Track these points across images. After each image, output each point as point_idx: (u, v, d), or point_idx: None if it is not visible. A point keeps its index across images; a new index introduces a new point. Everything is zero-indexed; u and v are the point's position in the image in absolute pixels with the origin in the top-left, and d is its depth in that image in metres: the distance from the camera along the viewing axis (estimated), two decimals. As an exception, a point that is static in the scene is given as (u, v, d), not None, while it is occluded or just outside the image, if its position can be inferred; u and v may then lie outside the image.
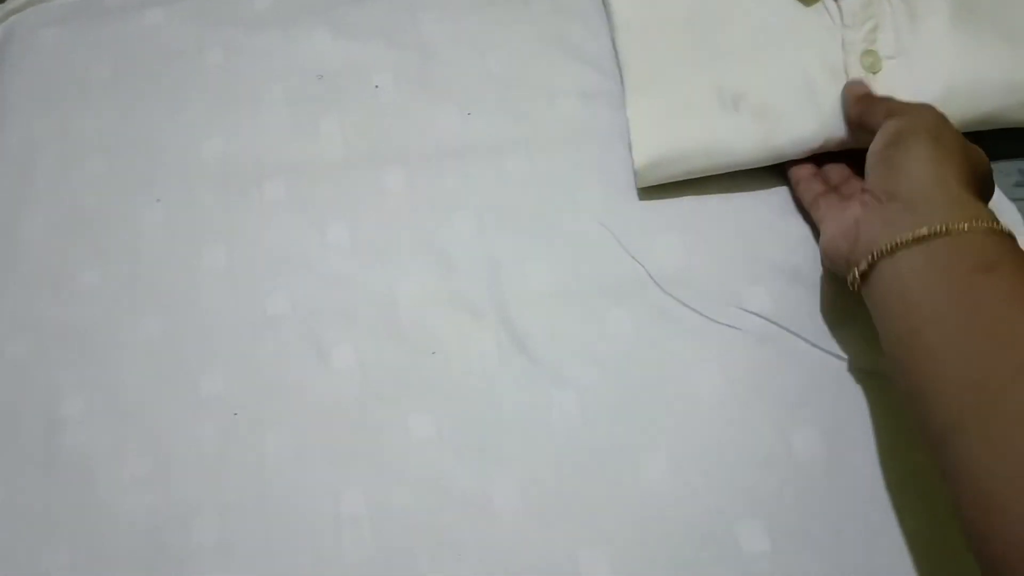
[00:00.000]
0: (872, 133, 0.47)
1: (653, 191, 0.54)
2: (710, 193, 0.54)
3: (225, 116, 0.60)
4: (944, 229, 0.39)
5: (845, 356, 0.48)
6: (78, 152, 0.60)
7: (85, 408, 0.50)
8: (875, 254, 0.40)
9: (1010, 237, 0.40)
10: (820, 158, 0.54)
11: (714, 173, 0.54)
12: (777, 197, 0.53)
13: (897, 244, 0.39)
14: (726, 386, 0.47)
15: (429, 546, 0.44)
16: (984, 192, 0.45)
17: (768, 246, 0.51)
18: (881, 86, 0.53)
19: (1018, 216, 0.51)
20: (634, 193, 0.55)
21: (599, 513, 0.44)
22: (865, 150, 0.47)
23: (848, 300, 0.45)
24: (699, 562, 0.43)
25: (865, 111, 0.49)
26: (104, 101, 0.62)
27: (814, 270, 0.50)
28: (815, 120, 0.53)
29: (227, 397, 0.50)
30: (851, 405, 0.46)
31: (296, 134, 0.59)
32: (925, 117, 0.45)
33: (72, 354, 0.52)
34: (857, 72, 0.53)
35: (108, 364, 0.51)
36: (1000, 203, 0.51)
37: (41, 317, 0.53)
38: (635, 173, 0.55)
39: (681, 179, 0.54)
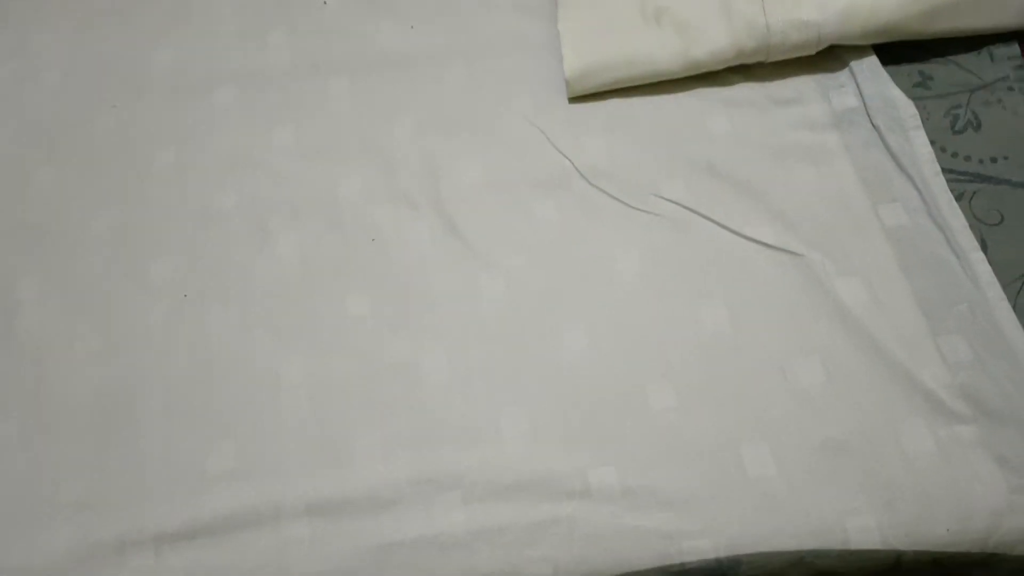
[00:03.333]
0: None
1: (581, 97, 0.58)
2: (633, 97, 0.58)
3: (176, 29, 0.63)
4: None
5: (753, 238, 0.52)
6: (35, 65, 0.62)
7: (40, 292, 0.53)
8: None
9: None
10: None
11: (639, 83, 0.58)
12: (694, 99, 0.57)
13: None
14: (642, 267, 0.51)
15: (362, 409, 0.47)
16: None
17: (685, 143, 0.55)
18: (789, 1, 0.57)
19: (915, 110, 0.55)
20: (564, 99, 0.58)
21: (521, 379, 0.48)
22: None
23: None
24: (611, 418, 0.46)
25: None
26: (59, 18, 0.64)
27: (726, 163, 0.54)
28: (728, 34, 0.57)
29: (176, 281, 0.52)
30: (756, 282, 0.50)
31: (245, 46, 0.62)
32: None
33: (28, 245, 0.54)
34: (770, -12, 0.57)
35: (63, 254, 0.54)
36: (899, 100, 0.55)
37: (1, 213, 0.56)
38: (566, 83, 0.58)
39: (609, 88, 0.58)
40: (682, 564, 0.42)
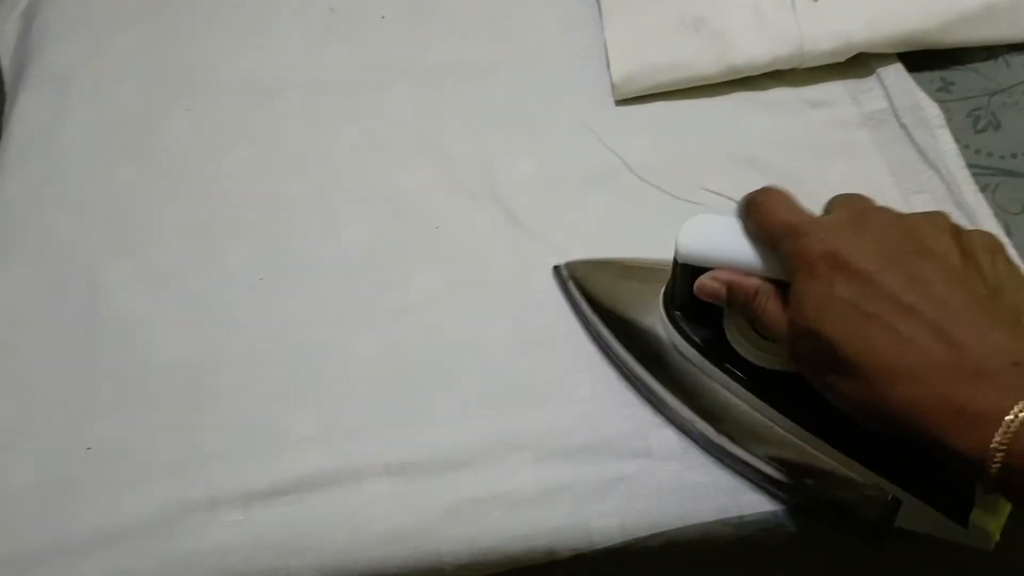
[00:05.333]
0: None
1: (626, 101, 0.63)
2: (675, 100, 0.62)
3: (245, 40, 0.68)
4: None
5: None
6: (112, 70, 0.67)
7: (124, 276, 0.56)
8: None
9: None
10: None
11: (681, 87, 0.63)
12: (733, 101, 0.62)
13: None
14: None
15: (432, 377, 0.51)
16: None
17: (725, 141, 0.59)
18: (820, 13, 0.61)
19: (939, 111, 0.59)
20: (610, 102, 0.63)
21: (582, 347, 0.51)
22: None
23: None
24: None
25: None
26: (136, 27, 0.69)
27: (765, 158, 0.58)
28: (763, 42, 0.62)
29: (252, 265, 0.56)
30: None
31: (309, 56, 0.67)
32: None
33: (111, 233, 0.58)
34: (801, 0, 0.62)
35: (144, 241, 0.58)
36: (924, 102, 0.60)
37: (82, 204, 0.60)
38: (613, 87, 0.63)
39: (652, 92, 0.63)
40: (740, 516, 0.45)
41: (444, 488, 0.47)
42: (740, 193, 0.56)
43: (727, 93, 0.62)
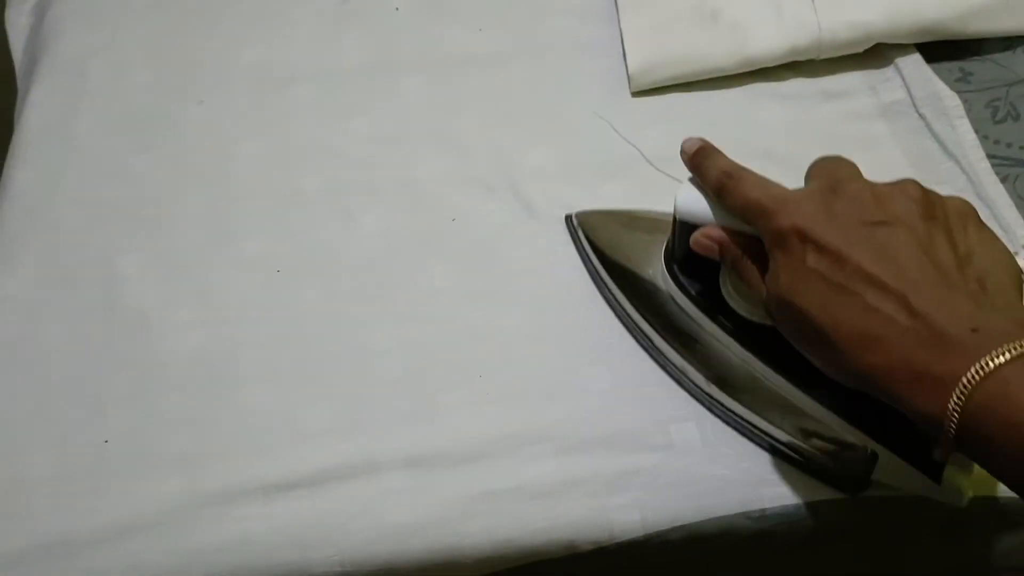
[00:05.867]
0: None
1: (642, 92, 0.62)
2: (692, 92, 0.61)
3: (257, 32, 0.68)
4: None
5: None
6: (125, 62, 0.67)
7: (140, 267, 0.56)
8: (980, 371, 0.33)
9: None
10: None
11: (697, 79, 0.62)
12: (750, 93, 0.61)
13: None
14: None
15: (450, 369, 0.50)
16: None
17: (743, 132, 0.58)
18: (838, 3, 0.61)
19: (958, 101, 0.59)
20: (626, 94, 0.62)
21: (600, 341, 0.51)
22: None
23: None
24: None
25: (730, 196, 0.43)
26: (147, 19, 0.69)
27: (782, 149, 0.58)
28: (781, 33, 0.61)
29: (268, 257, 0.56)
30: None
31: (321, 47, 0.66)
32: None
33: (126, 225, 0.58)
34: (817, -10, 0.62)
35: (159, 232, 0.57)
36: (943, 92, 0.59)
37: (96, 195, 0.59)
38: (629, 78, 0.62)
39: (669, 84, 0.62)
40: (762, 510, 0.45)
41: (463, 480, 0.46)
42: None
43: (744, 84, 0.61)
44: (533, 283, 0.54)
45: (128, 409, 0.50)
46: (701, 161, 0.45)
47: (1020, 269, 0.38)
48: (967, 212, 0.38)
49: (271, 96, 0.64)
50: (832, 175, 0.40)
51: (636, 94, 0.62)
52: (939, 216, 0.37)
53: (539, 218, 0.56)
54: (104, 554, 0.46)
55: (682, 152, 0.46)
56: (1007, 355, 0.32)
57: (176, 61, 0.66)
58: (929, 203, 0.38)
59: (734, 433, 0.47)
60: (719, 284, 0.46)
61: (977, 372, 0.32)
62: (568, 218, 0.55)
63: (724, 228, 0.43)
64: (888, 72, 0.62)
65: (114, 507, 0.47)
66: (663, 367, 0.49)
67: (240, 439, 0.49)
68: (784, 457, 0.45)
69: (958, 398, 0.32)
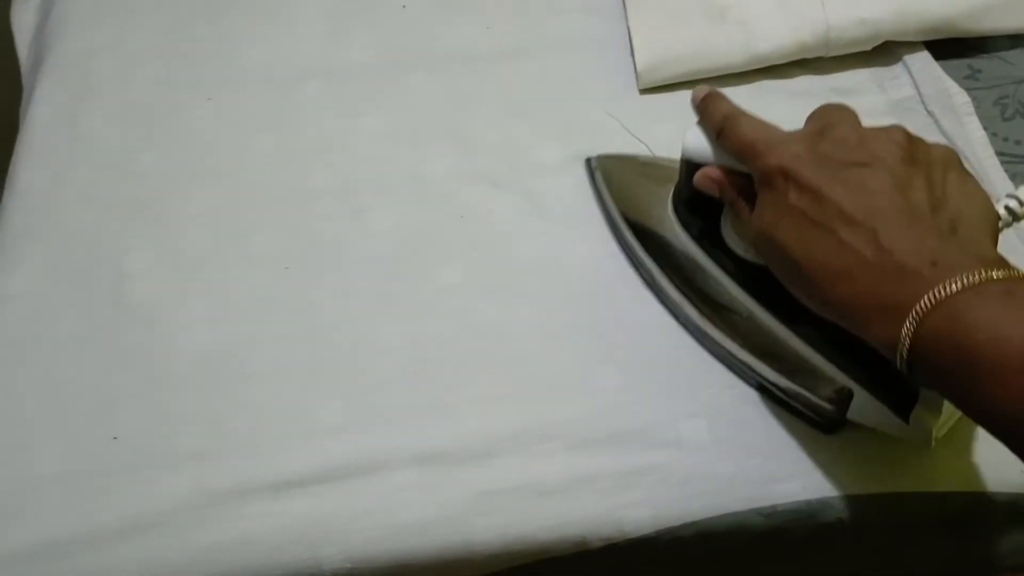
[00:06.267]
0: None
1: (651, 90, 0.62)
2: (701, 88, 0.61)
3: (264, 29, 0.67)
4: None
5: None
6: (132, 59, 0.66)
7: (148, 264, 0.56)
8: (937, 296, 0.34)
9: None
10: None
11: (706, 76, 0.62)
12: (759, 90, 0.61)
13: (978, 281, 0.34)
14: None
15: (460, 367, 0.50)
16: None
17: (752, 129, 0.59)
18: (845, 1, 0.61)
19: (967, 98, 0.59)
20: (634, 91, 0.62)
21: (608, 337, 0.51)
22: None
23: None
24: (698, 374, 0.49)
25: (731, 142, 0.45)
26: (154, 16, 0.69)
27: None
28: (789, 30, 0.61)
29: (276, 254, 0.56)
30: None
31: (330, 44, 0.66)
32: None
33: (134, 222, 0.58)
34: (825, -12, 0.61)
35: (167, 229, 0.57)
36: (952, 89, 0.59)
37: (105, 192, 0.59)
38: (637, 76, 0.62)
39: (677, 81, 0.62)
40: (773, 506, 0.45)
41: (473, 478, 0.46)
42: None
43: (752, 81, 0.61)
44: (542, 280, 0.53)
45: (136, 406, 0.50)
46: (707, 104, 0.47)
47: (997, 215, 0.40)
48: (950, 159, 0.40)
49: (279, 93, 0.64)
50: (826, 119, 0.42)
51: (644, 91, 0.62)
52: (920, 160, 0.39)
53: (547, 215, 0.56)
54: (113, 551, 0.45)
55: (692, 99, 0.49)
56: (959, 284, 0.34)
57: (183, 58, 0.66)
58: (912, 148, 0.40)
59: (744, 430, 0.47)
60: (719, 224, 0.49)
61: (929, 300, 0.34)
62: (588, 160, 0.58)
63: (724, 169, 0.46)
64: (896, 69, 0.62)
65: (123, 504, 0.47)
66: (663, 303, 0.52)
67: (249, 436, 0.49)
68: (768, 394, 0.48)
69: (910, 324, 0.35)
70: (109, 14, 0.69)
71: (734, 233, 0.48)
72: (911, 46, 0.62)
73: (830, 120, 0.42)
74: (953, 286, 0.34)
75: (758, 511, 0.45)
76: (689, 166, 0.48)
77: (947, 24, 0.61)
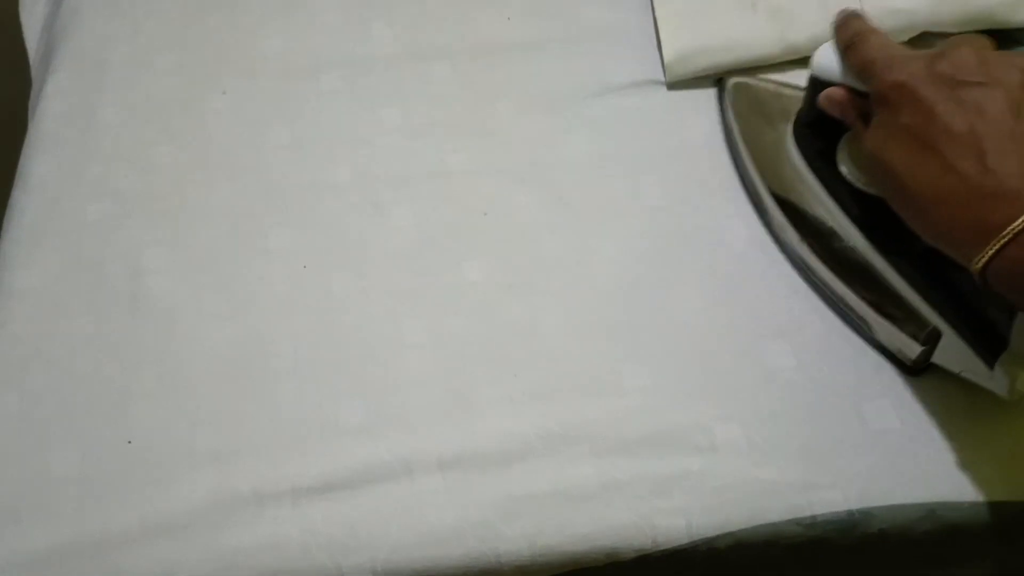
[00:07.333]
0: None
1: (679, 82, 0.60)
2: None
3: (281, 20, 0.66)
4: None
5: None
6: (148, 51, 0.65)
7: (165, 260, 0.54)
8: None
9: None
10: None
11: (736, 68, 0.60)
12: (791, 82, 0.59)
13: None
14: (750, 232, 0.53)
15: (485, 366, 0.49)
16: None
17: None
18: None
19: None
20: (662, 83, 0.60)
21: (638, 336, 0.49)
22: None
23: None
24: (730, 375, 0.48)
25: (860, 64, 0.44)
26: (169, 8, 0.67)
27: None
28: (823, 20, 0.59)
29: (295, 249, 0.54)
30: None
31: (349, 35, 0.65)
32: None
33: (150, 216, 0.56)
34: (862, -24, 0.59)
35: (184, 224, 0.56)
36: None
37: (120, 185, 0.58)
38: (664, 68, 0.60)
39: (706, 73, 0.60)
40: (813, 516, 0.43)
41: (499, 483, 0.45)
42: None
43: (784, 73, 0.59)
44: (568, 277, 0.52)
45: (153, 406, 0.48)
46: (844, 22, 0.46)
47: None
48: None
49: (297, 85, 0.62)
50: (952, 43, 0.41)
51: (672, 84, 0.60)
52: None
53: (572, 210, 0.55)
54: (131, 555, 0.44)
55: (834, 20, 0.47)
56: None
57: (199, 50, 0.64)
58: None
59: (780, 435, 0.45)
60: (836, 150, 0.48)
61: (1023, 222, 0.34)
62: (719, 81, 0.59)
63: (848, 89, 0.45)
64: (933, 60, 0.60)
65: (141, 507, 0.45)
66: (766, 225, 0.53)
67: (269, 438, 0.47)
68: (853, 325, 0.48)
69: (996, 241, 0.35)
70: (123, 4, 0.68)
71: (849, 159, 0.47)
72: (946, 37, 0.60)
73: (956, 42, 0.41)
74: None
75: (797, 521, 0.43)
76: (815, 84, 0.47)
77: (984, 15, 0.59)
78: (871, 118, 0.42)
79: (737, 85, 0.58)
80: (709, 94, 0.59)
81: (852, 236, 0.47)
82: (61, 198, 0.57)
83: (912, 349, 0.45)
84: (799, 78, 0.59)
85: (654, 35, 0.62)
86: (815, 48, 0.59)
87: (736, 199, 0.54)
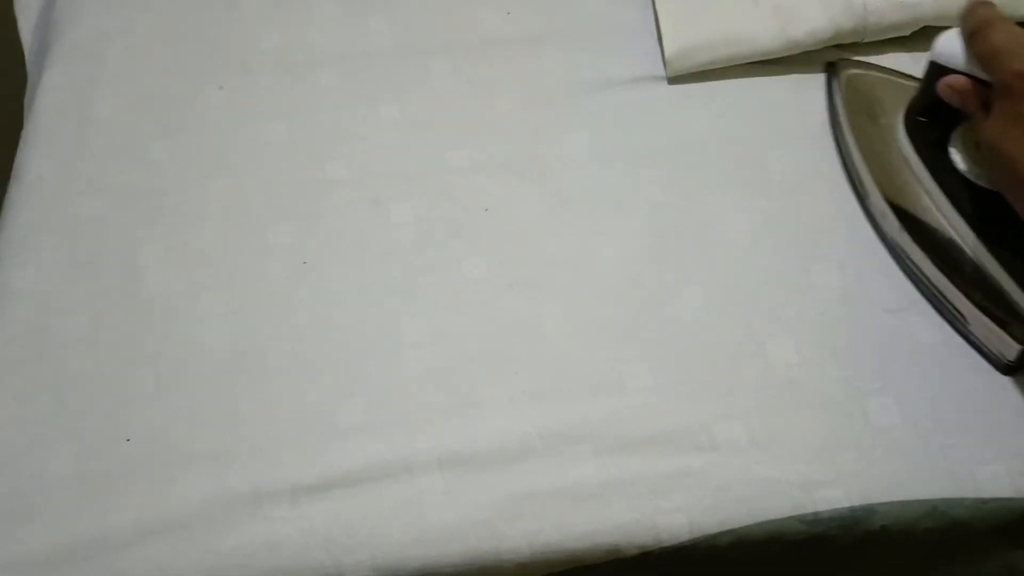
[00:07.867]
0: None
1: (680, 77, 0.60)
2: (731, 77, 0.59)
3: (279, 14, 0.65)
4: None
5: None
6: (144, 46, 0.64)
7: (161, 257, 0.54)
8: None
9: None
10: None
11: (738, 62, 0.60)
12: (793, 77, 0.59)
13: None
14: (752, 229, 0.52)
15: (486, 365, 0.48)
16: None
17: (787, 117, 0.57)
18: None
19: None
20: (662, 78, 0.60)
21: (640, 335, 0.49)
22: None
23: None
24: (732, 373, 0.47)
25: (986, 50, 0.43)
26: (165, 2, 0.66)
27: (822, 134, 0.56)
28: (825, 14, 0.59)
29: (294, 246, 0.54)
30: (870, 242, 0.51)
31: (347, 29, 0.64)
32: None
33: (146, 212, 0.56)
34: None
35: (180, 221, 0.55)
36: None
37: (116, 182, 0.57)
38: (665, 63, 0.60)
39: (707, 68, 0.60)
40: (815, 513, 0.43)
41: (500, 482, 0.45)
42: (805, 171, 0.55)
43: (786, 67, 0.59)
44: (569, 274, 0.52)
45: (152, 404, 0.48)
46: (971, 9, 0.45)
47: None
48: None
49: (294, 81, 0.61)
50: None
51: (673, 79, 0.60)
52: None
53: (573, 206, 0.54)
54: (128, 556, 0.44)
55: (962, 8, 0.46)
56: None
57: (195, 45, 0.64)
58: None
59: (783, 432, 0.45)
60: (949, 140, 0.48)
61: None
62: (830, 64, 0.58)
63: (971, 78, 0.44)
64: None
65: (139, 507, 0.45)
66: (864, 208, 0.52)
67: (268, 437, 0.47)
68: (948, 319, 0.47)
69: None
70: (120, 0, 0.67)
71: (963, 150, 0.46)
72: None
73: None
74: None
75: (799, 518, 0.43)
76: (935, 70, 0.46)
77: None
78: (991, 108, 0.41)
79: (844, 67, 0.57)
80: (711, 88, 0.59)
81: (960, 229, 0.46)
82: (56, 196, 0.57)
83: (1012, 350, 0.44)
84: (800, 75, 0.59)
85: (655, 30, 0.61)
86: (816, 43, 0.59)
87: (737, 194, 0.54)
